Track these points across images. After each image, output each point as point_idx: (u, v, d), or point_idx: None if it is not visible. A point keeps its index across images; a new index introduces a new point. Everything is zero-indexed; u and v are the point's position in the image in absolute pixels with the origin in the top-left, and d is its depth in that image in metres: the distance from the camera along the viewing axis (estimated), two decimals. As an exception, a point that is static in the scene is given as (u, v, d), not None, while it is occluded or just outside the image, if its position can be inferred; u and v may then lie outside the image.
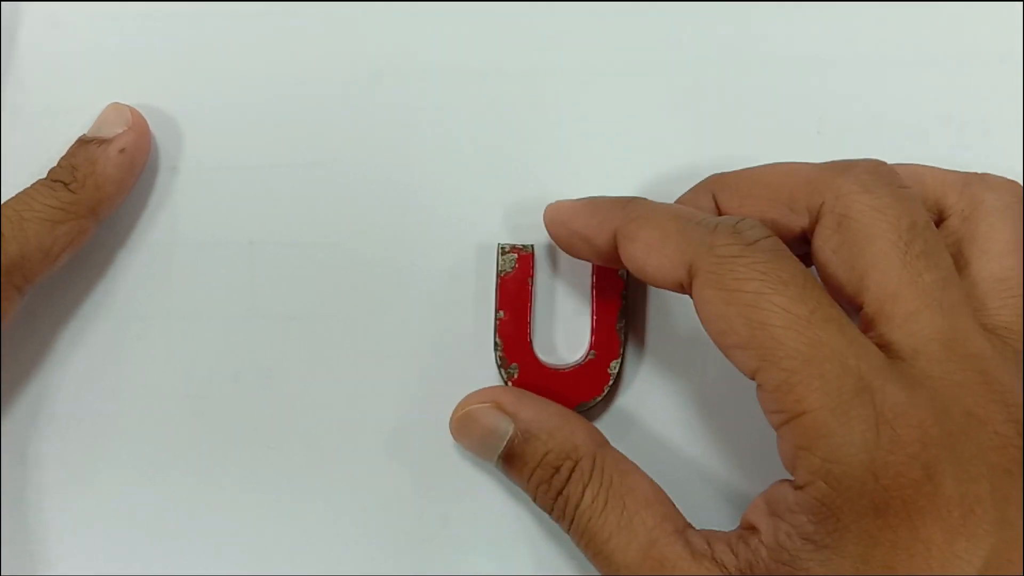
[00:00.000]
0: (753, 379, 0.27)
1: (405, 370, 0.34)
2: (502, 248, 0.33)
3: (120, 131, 0.33)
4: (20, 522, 0.34)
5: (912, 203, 0.29)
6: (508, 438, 0.31)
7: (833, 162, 0.30)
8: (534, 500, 0.32)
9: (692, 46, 0.36)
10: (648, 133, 0.35)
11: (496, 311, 0.33)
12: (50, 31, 0.35)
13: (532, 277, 0.34)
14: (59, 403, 0.34)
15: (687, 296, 0.28)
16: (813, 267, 0.30)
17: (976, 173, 0.31)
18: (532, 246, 0.34)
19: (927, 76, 0.36)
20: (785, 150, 0.34)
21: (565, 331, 0.35)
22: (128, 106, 0.34)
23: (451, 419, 0.33)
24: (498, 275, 0.33)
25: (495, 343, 0.33)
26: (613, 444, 0.32)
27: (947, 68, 0.36)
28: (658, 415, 0.34)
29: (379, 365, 0.34)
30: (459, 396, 0.33)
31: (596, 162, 0.35)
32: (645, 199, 0.31)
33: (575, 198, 0.32)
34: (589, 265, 0.34)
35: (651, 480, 0.31)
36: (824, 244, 0.29)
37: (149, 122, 0.34)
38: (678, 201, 0.33)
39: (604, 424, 0.34)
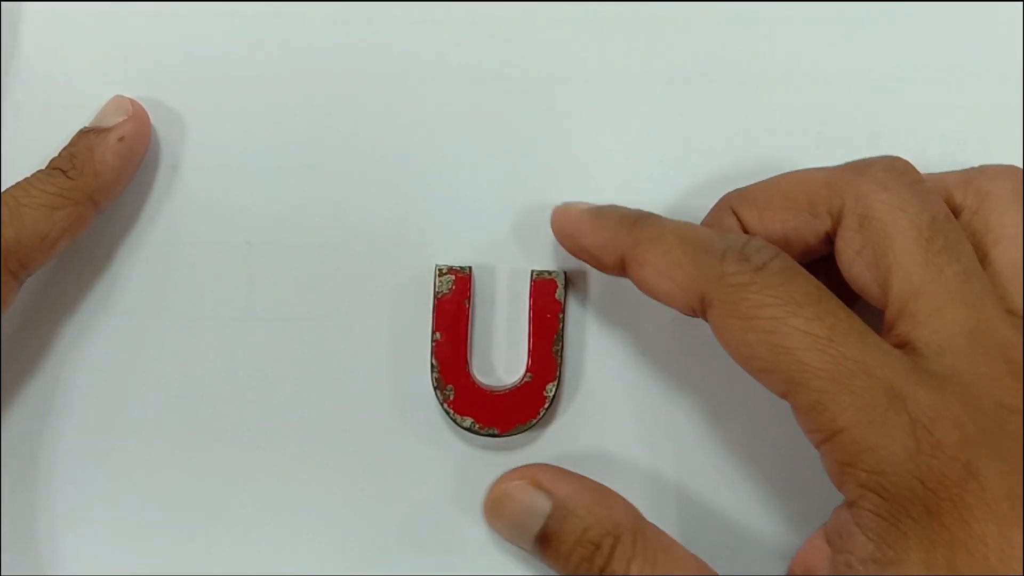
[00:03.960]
0: (785, 399, 0.27)
1: (401, 372, 0.35)
2: (439, 269, 0.34)
3: (120, 120, 0.34)
4: (19, 521, 0.35)
5: (931, 197, 0.29)
6: (545, 516, 0.31)
7: (850, 163, 0.30)
8: None
9: (692, 57, 0.35)
10: (646, 144, 0.35)
11: (432, 332, 0.34)
12: (52, 28, 0.36)
13: (469, 299, 0.34)
14: (57, 402, 0.35)
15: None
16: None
17: (974, 167, 0.31)
18: (470, 268, 0.34)
19: (928, 91, 0.35)
20: (784, 162, 0.34)
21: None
22: (129, 98, 0.34)
23: (485, 499, 0.33)
24: (435, 296, 0.34)
25: (431, 364, 0.34)
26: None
27: (948, 84, 0.35)
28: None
29: (375, 366, 0.35)
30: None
31: (595, 172, 0.35)
32: (653, 217, 0.31)
33: (582, 205, 0.32)
34: (528, 287, 0.34)
35: (691, 553, 0.30)
36: (847, 246, 0.29)
37: (152, 120, 0.35)
38: (702, 223, 0.33)
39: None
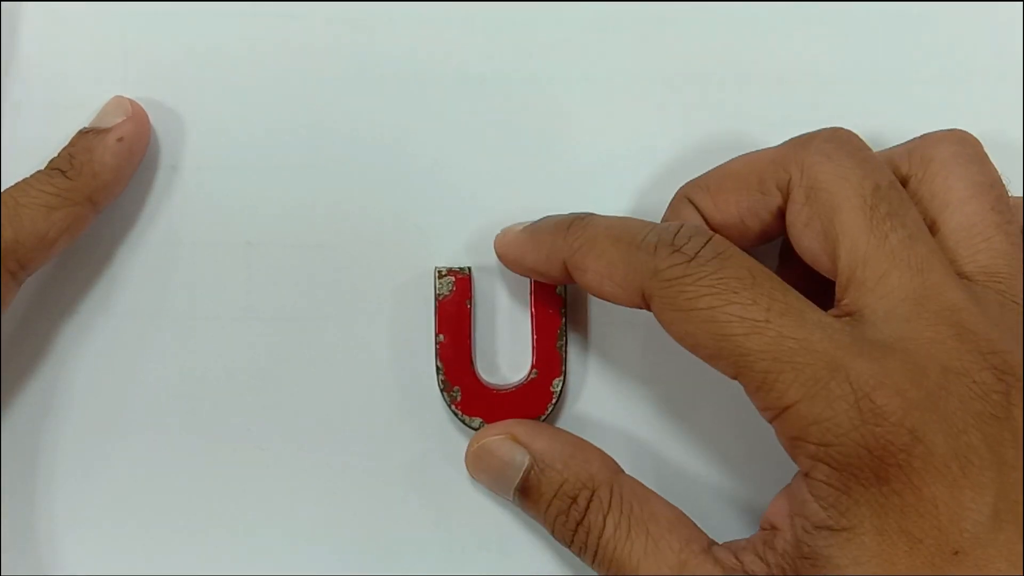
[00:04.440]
0: (736, 381, 0.27)
1: (395, 373, 0.35)
2: (439, 271, 0.34)
3: (119, 120, 0.34)
4: (19, 521, 0.35)
5: (874, 165, 0.29)
6: (524, 469, 0.31)
7: (795, 137, 0.31)
8: (552, 533, 0.31)
9: (692, 57, 0.35)
10: (645, 144, 0.35)
11: (436, 335, 0.33)
12: (52, 28, 0.36)
13: (471, 299, 0.34)
14: (57, 402, 0.35)
15: (628, 310, 0.29)
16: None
17: (918, 136, 0.31)
18: (469, 268, 0.34)
19: (928, 91, 0.35)
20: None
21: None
22: (128, 98, 0.34)
23: (466, 454, 0.33)
24: (436, 299, 0.34)
25: (436, 367, 0.33)
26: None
27: (948, 84, 0.35)
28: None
29: (377, 367, 0.35)
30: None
31: (595, 172, 0.35)
32: (586, 219, 0.31)
33: (518, 227, 0.33)
34: (528, 284, 0.34)
35: (670, 503, 0.31)
36: (796, 219, 0.30)
37: (151, 120, 0.35)
38: (663, 218, 0.33)
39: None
